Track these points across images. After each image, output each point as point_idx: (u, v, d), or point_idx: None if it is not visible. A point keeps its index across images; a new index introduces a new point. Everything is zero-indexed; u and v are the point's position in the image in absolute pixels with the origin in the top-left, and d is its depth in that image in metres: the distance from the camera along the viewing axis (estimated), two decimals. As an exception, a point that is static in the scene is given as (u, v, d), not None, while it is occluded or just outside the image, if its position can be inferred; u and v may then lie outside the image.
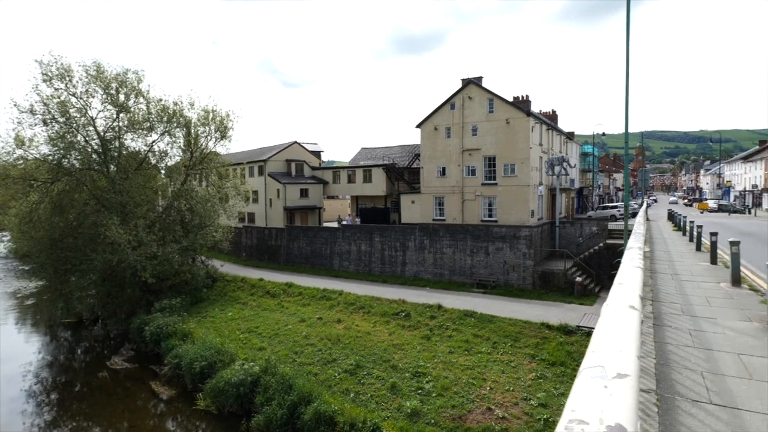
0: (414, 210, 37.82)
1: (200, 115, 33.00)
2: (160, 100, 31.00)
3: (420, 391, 17.24)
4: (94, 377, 22.86)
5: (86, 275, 28.00)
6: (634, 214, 34.33)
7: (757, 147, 76.66)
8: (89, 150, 29.09)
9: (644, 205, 32.46)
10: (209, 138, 34.00)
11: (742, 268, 10.62)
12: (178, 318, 25.82)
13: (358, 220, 41.68)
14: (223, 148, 35.64)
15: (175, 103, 31.63)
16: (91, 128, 29.07)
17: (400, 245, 34.05)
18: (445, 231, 32.20)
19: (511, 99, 35.89)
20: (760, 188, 67.73)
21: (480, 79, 35.83)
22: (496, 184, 33.90)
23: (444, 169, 36.24)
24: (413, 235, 33.45)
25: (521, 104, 35.42)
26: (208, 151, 34.44)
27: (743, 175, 77.92)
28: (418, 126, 37.42)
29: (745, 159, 78.09)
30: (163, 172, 34.35)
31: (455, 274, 31.64)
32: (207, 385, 18.85)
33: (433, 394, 16.80)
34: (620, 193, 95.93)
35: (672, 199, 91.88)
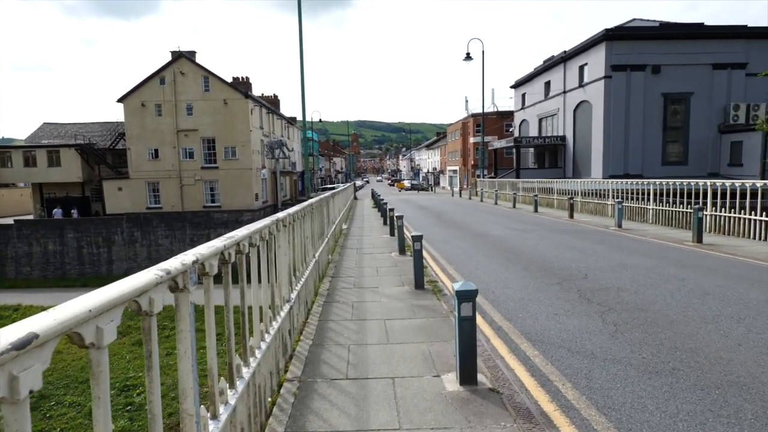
0: (122, 198, 32.61)
1: None
2: None
3: (129, 407, 14.89)
4: None
5: None
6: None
7: (435, 138, 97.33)
8: None
9: (350, 184, 36.60)
10: None
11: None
12: None
13: (75, 213, 33.12)
14: None
15: None
16: None
17: (104, 240, 28.88)
18: (159, 220, 28.94)
19: (230, 80, 34.58)
20: (437, 170, 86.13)
21: (193, 53, 33.07)
22: (217, 167, 32.32)
23: (156, 151, 32.33)
24: (120, 228, 28.83)
25: (240, 85, 34.54)
26: None
27: (427, 160, 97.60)
28: (121, 100, 32.11)
29: (428, 147, 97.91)
30: None
31: (175, 267, 28.94)
32: None
33: (146, 407, 14.90)
34: (339, 176, 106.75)
35: (378, 179, 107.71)
